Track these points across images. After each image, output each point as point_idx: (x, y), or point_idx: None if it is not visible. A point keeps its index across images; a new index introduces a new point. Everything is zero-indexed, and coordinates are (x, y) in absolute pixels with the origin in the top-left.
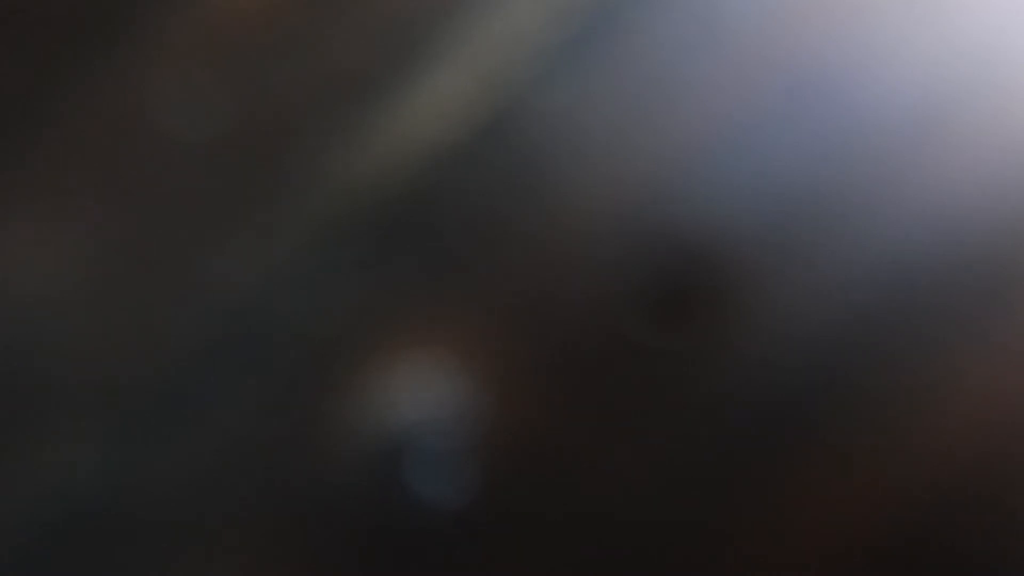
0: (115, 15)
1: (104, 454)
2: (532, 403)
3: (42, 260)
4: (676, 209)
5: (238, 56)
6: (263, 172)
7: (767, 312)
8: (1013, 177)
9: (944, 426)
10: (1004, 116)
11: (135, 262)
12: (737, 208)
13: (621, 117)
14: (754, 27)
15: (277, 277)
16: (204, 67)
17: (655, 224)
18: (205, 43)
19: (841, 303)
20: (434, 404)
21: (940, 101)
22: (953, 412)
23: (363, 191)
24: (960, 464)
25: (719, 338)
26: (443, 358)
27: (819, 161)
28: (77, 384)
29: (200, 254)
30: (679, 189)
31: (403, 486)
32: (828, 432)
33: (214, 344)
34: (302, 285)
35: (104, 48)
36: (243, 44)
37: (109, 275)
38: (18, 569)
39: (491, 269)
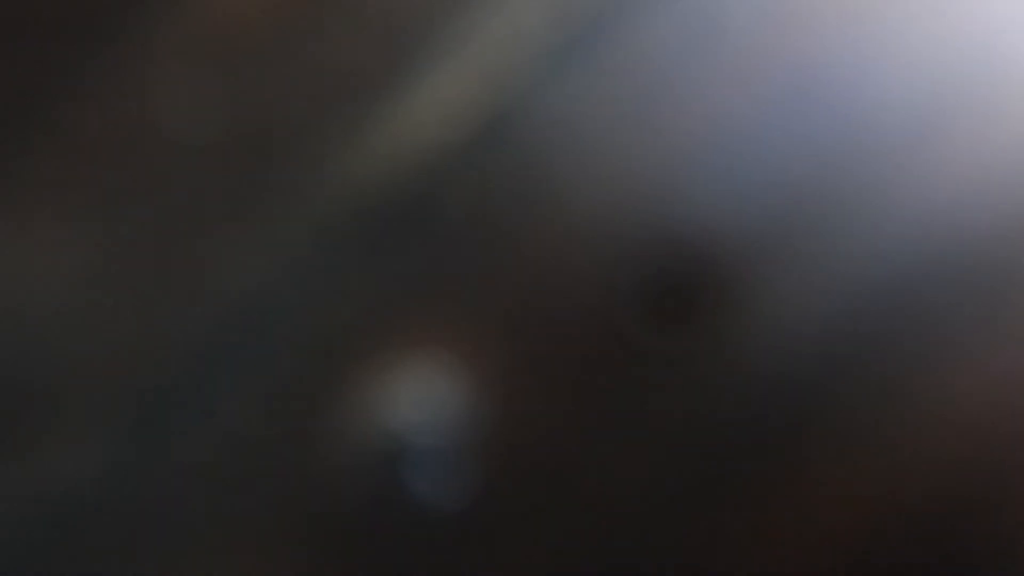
0: (115, 15)
1: (104, 454)
2: (532, 403)
3: (42, 261)
4: (676, 209)
5: (238, 56)
6: (263, 172)
7: (767, 312)
8: (1013, 177)
9: (944, 426)
10: (1004, 116)
11: (135, 262)
12: (737, 208)
13: (621, 118)
14: (754, 27)
15: (277, 277)
16: (204, 67)
17: (655, 225)
18: (205, 43)
19: (840, 304)
20: (434, 404)
21: (940, 101)
22: (953, 412)
23: (363, 191)
24: (960, 464)
25: (719, 338)
26: (443, 358)
27: (818, 161)
28: (77, 384)
29: (200, 254)
30: (679, 189)
31: (403, 486)
32: (827, 431)
33: (214, 344)
34: (302, 285)
35: (104, 48)
36: (243, 44)
37: (109, 276)
38: (19, 568)
39: (491, 269)
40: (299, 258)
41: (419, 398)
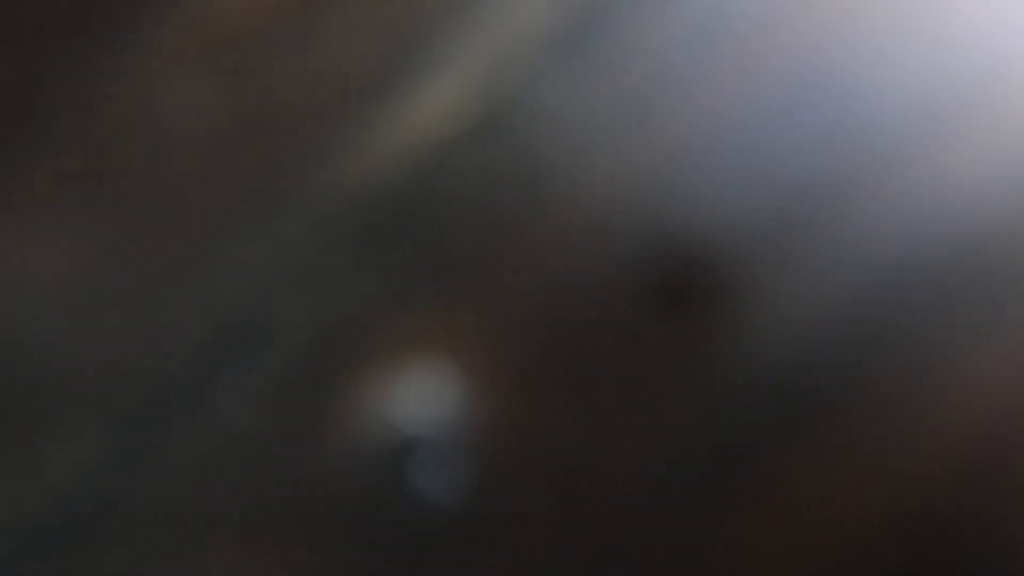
0: (116, 14)
1: (104, 453)
2: (533, 399)
3: (41, 259)
4: (676, 206)
5: (238, 55)
6: (262, 172)
7: (767, 309)
8: (1013, 176)
9: (942, 422)
10: (1004, 115)
11: (134, 262)
12: (736, 204)
13: (621, 115)
14: (753, 25)
15: (277, 276)
16: (204, 67)
17: (655, 221)
18: (205, 43)
19: (840, 299)
20: (434, 403)
21: (940, 100)
22: (952, 409)
23: (363, 191)
24: (958, 463)
25: (719, 334)
26: (444, 354)
27: (817, 157)
28: (77, 383)
29: (200, 253)
30: (679, 186)
31: (403, 485)
32: (828, 427)
33: (213, 343)
34: (302, 284)
35: (105, 47)
36: (243, 43)
37: (108, 275)
38: (18, 569)
39: (491, 268)
40: (299, 256)
41: (419, 397)
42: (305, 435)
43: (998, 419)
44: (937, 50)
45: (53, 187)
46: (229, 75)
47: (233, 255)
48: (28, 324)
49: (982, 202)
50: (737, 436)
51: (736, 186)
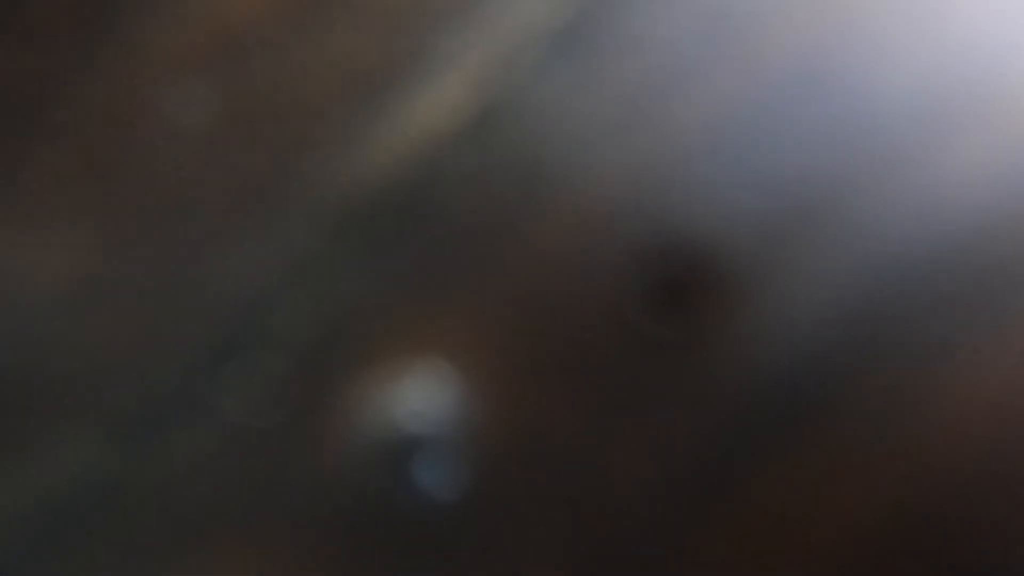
0: (119, 9)
1: (104, 454)
2: (532, 401)
3: (41, 259)
4: (676, 205)
5: (238, 53)
6: (262, 172)
7: (767, 309)
8: (1013, 176)
9: (943, 422)
10: (1004, 115)
11: (134, 262)
12: (736, 204)
13: (621, 114)
14: (754, 24)
15: (277, 276)
16: (204, 67)
17: (655, 221)
18: (205, 43)
19: (840, 299)
20: (434, 402)
21: (940, 100)
22: (952, 408)
23: (363, 190)
24: (958, 463)
25: (718, 332)
26: (444, 352)
27: (817, 157)
28: (76, 383)
29: (200, 253)
30: (679, 185)
31: (403, 483)
32: (828, 427)
33: (213, 343)
34: (302, 284)
35: (105, 46)
36: (243, 43)
37: (108, 275)
38: (18, 569)
39: (491, 267)
40: (299, 256)
41: (420, 393)
42: (305, 435)
43: (998, 418)
44: (937, 50)
45: (52, 187)
46: (229, 75)
47: (233, 255)
48: (28, 324)
49: (982, 202)
50: (737, 436)
51: (736, 186)
